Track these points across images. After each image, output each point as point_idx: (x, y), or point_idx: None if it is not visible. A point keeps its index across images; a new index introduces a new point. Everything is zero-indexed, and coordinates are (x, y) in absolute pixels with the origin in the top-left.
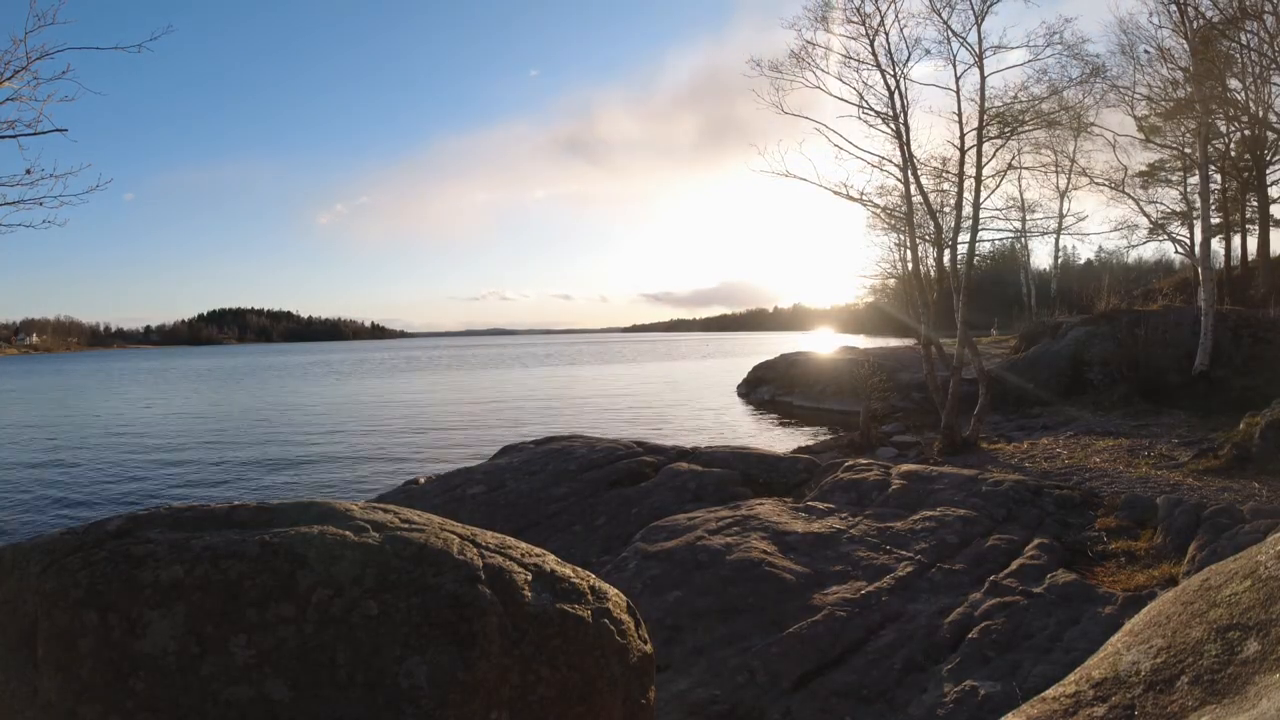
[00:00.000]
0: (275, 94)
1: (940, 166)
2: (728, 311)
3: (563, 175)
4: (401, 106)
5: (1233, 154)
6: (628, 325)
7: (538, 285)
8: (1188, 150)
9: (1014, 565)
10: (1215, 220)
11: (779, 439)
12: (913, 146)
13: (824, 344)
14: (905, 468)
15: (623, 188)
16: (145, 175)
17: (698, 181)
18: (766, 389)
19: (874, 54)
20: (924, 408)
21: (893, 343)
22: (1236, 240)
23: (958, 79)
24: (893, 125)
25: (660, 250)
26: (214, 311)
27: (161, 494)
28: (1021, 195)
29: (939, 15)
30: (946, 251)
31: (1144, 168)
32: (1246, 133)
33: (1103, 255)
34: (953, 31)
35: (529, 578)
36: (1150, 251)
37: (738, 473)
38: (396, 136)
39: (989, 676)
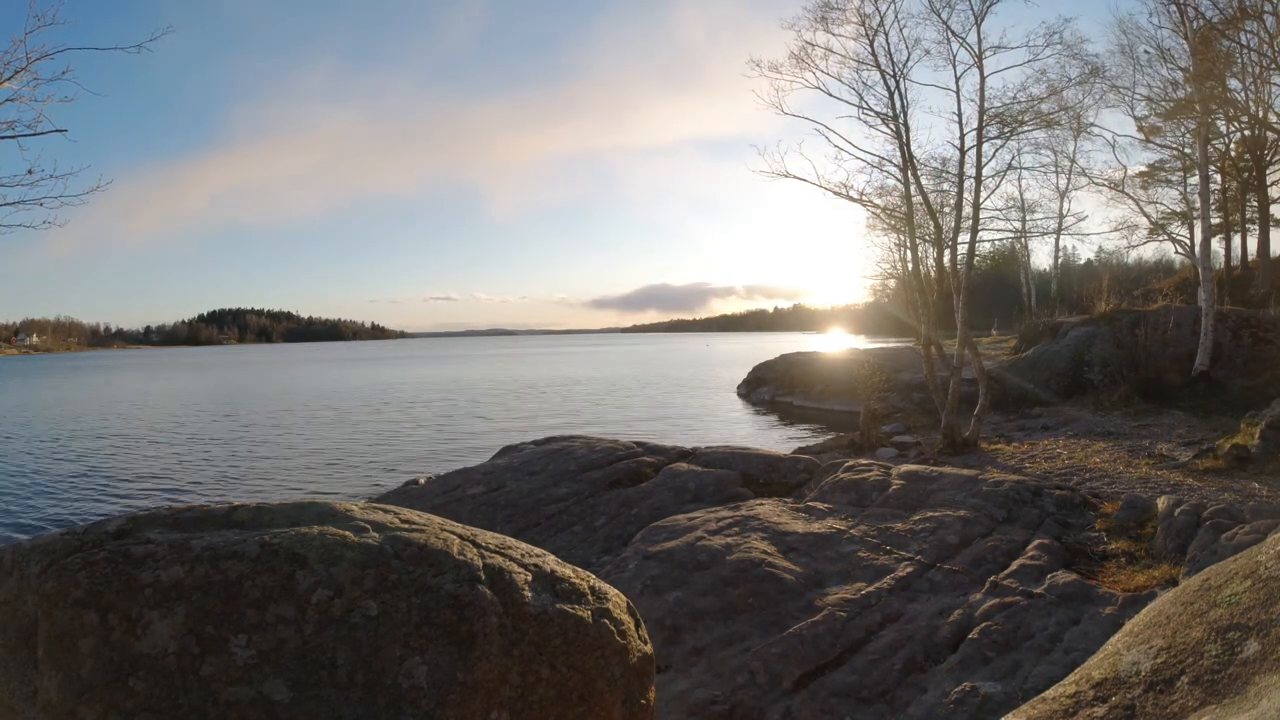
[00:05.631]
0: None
1: (940, 166)
2: (661, 315)
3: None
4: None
5: (1233, 154)
6: (628, 326)
7: (453, 288)
8: (1188, 150)
9: (1014, 566)
10: (1215, 220)
11: (779, 439)
12: (913, 147)
13: (833, 345)
14: (905, 468)
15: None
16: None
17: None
18: (766, 389)
19: (874, 54)
20: (924, 408)
21: (893, 343)
22: (1236, 240)
23: (957, 79)
24: (892, 125)
25: (572, 253)
26: (214, 312)
27: (161, 494)
28: (1021, 195)
29: (939, 15)
30: (946, 251)
31: (1144, 168)
32: (1246, 133)
33: (1103, 255)
34: (952, 32)
35: (529, 578)
36: (1150, 251)
37: (738, 473)
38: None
39: (989, 677)
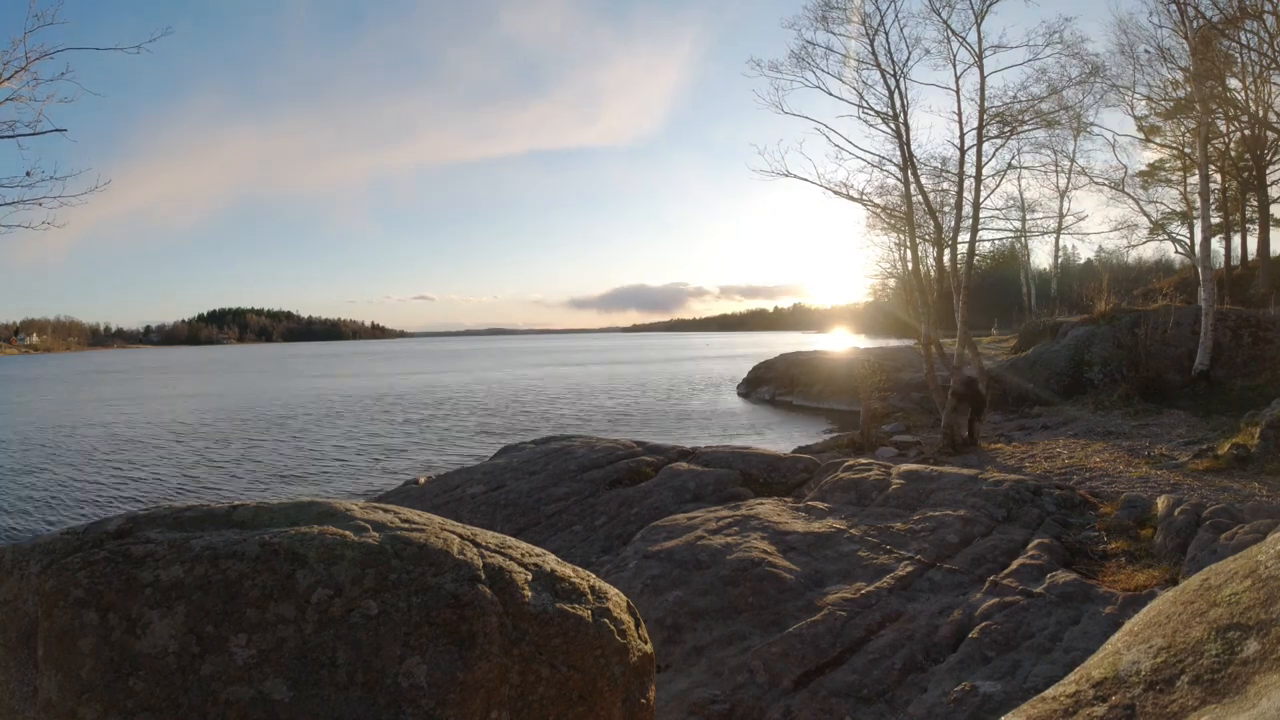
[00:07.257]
0: None
1: (940, 166)
2: (640, 314)
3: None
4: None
5: (1233, 154)
6: (628, 325)
7: (427, 288)
8: (1188, 150)
9: (1014, 565)
10: (1215, 220)
11: (779, 439)
12: (912, 146)
13: (834, 344)
14: (905, 468)
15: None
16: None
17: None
18: (766, 389)
19: (874, 54)
20: (924, 408)
21: (893, 343)
22: (1236, 240)
23: (958, 79)
24: (893, 125)
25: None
26: (214, 311)
27: (161, 494)
28: (1021, 195)
29: (939, 15)
30: (946, 251)
31: (1144, 168)
32: (1246, 132)
33: (1103, 255)
34: (952, 31)
35: (529, 578)
36: (1150, 251)
37: (738, 473)
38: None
39: (989, 676)
